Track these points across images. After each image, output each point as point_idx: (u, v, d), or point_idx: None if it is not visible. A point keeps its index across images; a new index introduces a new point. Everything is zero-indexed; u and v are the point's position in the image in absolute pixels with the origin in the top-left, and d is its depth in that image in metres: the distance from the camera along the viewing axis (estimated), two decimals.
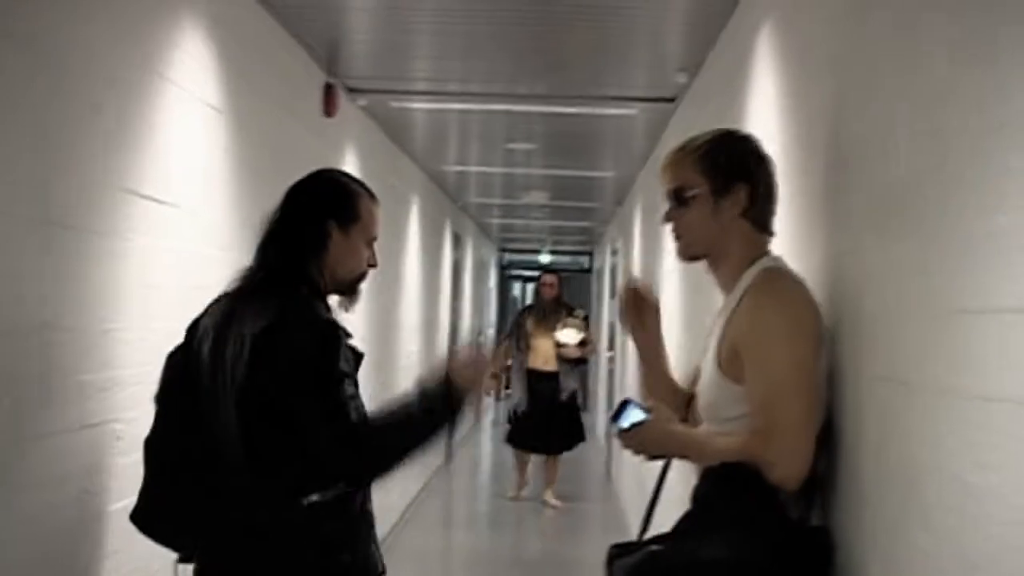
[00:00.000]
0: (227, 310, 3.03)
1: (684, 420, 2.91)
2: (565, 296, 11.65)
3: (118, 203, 3.54)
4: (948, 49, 2.07)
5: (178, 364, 3.08)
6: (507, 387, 11.69)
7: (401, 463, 3.04)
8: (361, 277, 3.19)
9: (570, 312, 11.28)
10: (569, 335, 11.00)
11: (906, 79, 2.31)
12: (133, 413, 3.56)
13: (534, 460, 11.30)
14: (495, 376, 11.92)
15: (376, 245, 3.22)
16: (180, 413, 3.02)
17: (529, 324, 11.35)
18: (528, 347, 11.21)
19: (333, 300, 3.16)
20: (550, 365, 11.10)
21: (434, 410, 3.03)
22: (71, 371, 3.28)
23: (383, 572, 3.13)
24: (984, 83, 1.87)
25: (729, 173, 2.79)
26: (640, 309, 3.13)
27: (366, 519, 3.10)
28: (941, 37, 2.12)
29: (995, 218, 1.80)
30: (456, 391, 3.04)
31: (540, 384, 11.14)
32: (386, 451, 3.00)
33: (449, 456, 13.46)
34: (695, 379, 2.99)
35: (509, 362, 11.44)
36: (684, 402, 3.02)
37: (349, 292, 3.19)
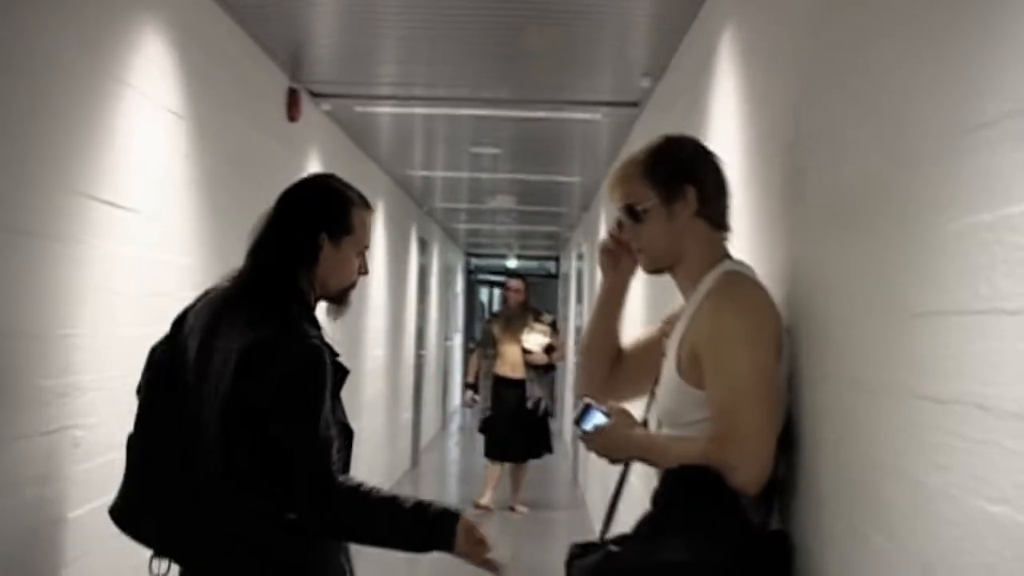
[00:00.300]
0: (215, 314, 2.99)
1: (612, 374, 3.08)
2: (532, 301, 11.58)
3: (77, 208, 3.52)
4: (901, 56, 2.09)
5: (163, 358, 3.04)
6: (476, 392, 11.55)
7: (358, 539, 3.03)
8: (351, 287, 3.16)
9: (537, 317, 11.22)
10: (535, 341, 10.94)
11: (861, 84, 2.33)
12: (92, 419, 3.54)
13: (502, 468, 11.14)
14: (468, 385, 11.73)
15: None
16: (165, 410, 2.98)
17: (496, 330, 11.27)
18: (496, 354, 11.14)
19: (321, 308, 3.14)
20: (517, 372, 11.03)
21: (419, 525, 2.95)
22: (29, 377, 3.25)
23: None
24: (936, 89, 1.89)
25: (675, 179, 2.79)
26: (620, 251, 3.09)
27: None
28: (894, 44, 2.13)
29: (946, 222, 1.81)
30: (448, 536, 2.93)
31: (507, 391, 11.04)
32: (349, 518, 2.93)
33: (415, 460, 13.44)
34: (640, 347, 3.10)
35: (477, 369, 11.39)
36: (616, 356, 3.12)
37: (339, 301, 3.16)
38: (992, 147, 1.65)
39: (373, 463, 9.71)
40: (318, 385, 2.88)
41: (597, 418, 2.75)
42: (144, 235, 4.08)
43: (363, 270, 3.16)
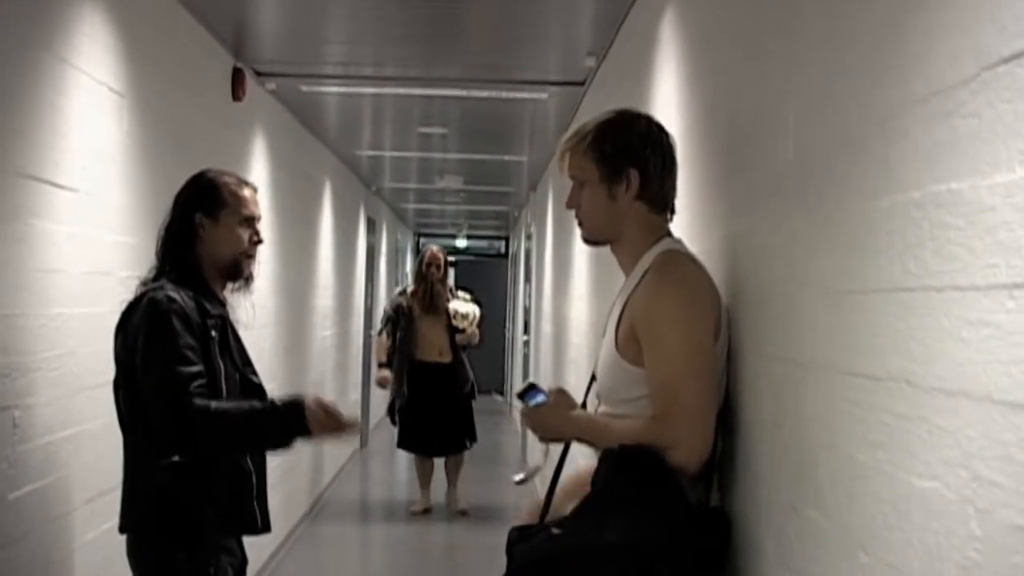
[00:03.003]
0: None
1: None
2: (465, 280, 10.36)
3: (16, 188, 3.47)
4: (836, 34, 2.10)
5: None
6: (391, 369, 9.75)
7: (230, 448, 3.36)
8: (244, 255, 3.49)
9: (454, 293, 9.76)
10: (465, 317, 9.47)
11: (797, 63, 2.34)
12: (31, 400, 3.51)
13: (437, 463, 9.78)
14: (381, 365, 9.88)
15: (268, 225, 3.30)
16: None
17: (416, 310, 9.54)
18: (414, 337, 9.52)
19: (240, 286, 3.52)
20: (446, 356, 9.49)
21: (273, 421, 3.30)
22: None
23: (263, 527, 3.42)
24: (870, 67, 1.90)
25: (617, 159, 2.79)
26: None
27: (242, 477, 3.38)
28: (829, 23, 2.14)
29: (878, 199, 1.83)
30: (300, 421, 3.27)
31: (434, 379, 9.49)
32: (214, 433, 3.25)
33: (363, 441, 13.42)
34: None
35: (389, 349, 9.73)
36: None
37: (234, 274, 3.49)
38: (921, 125, 1.66)
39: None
40: (163, 329, 3.23)
41: (539, 398, 2.81)
42: (84, 214, 4.03)
43: (255, 239, 3.52)
